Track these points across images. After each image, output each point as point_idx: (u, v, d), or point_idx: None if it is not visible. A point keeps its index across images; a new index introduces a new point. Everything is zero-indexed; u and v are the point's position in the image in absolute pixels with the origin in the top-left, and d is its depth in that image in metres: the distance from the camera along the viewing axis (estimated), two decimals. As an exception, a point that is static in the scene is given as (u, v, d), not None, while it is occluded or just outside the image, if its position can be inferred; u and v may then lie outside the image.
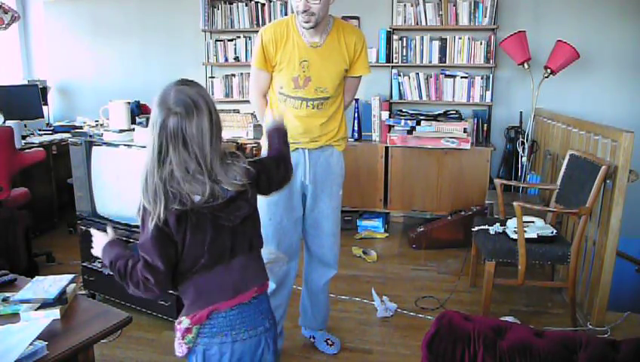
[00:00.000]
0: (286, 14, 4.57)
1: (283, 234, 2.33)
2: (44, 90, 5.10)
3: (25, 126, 4.52)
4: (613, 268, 2.77)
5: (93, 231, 1.51)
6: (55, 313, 1.67)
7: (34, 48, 5.52)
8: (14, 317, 1.66)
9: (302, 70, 2.17)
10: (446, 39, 4.39)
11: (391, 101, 4.56)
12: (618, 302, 3.05)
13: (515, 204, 2.64)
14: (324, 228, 2.41)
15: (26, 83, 5.11)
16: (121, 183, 2.87)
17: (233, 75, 4.93)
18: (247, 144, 4.48)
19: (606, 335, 2.73)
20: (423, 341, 1.44)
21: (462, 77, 4.42)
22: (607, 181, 2.74)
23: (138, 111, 4.65)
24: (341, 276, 3.55)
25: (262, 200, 2.30)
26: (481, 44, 4.33)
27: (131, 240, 2.89)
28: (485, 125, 4.44)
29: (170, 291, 1.45)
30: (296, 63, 2.17)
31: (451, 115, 4.30)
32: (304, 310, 2.65)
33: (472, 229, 3.10)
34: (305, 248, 2.53)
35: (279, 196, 2.25)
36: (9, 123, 3.66)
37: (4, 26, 4.73)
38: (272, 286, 2.44)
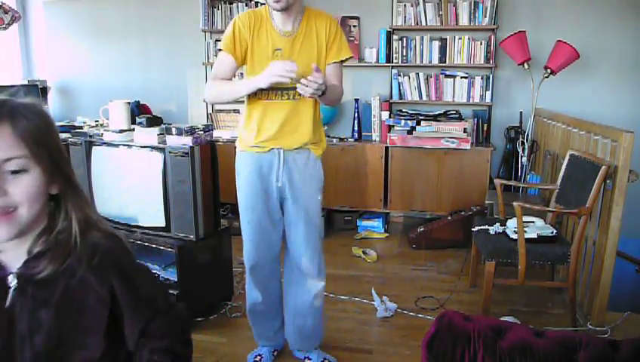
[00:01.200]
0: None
1: (261, 236, 2.29)
2: (44, 90, 5.10)
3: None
4: (613, 268, 2.77)
5: None
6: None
7: (34, 48, 5.52)
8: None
9: (276, 59, 2.06)
10: (446, 39, 4.39)
11: (391, 101, 4.56)
12: (618, 302, 3.04)
13: (515, 204, 2.64)
14: (303, 235, 2.28)
15: (26, 83, 5.11)
16: (121, 183, 2.87)
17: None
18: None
19: (606, 336, 2.73)
20: (422, 341, 1.44)
21: (462, 77, 4.42)
22: (607, 181, 2.74)
23: (138, 111, 4.65)
24: (341, 276, 3.55)
25: (240, 202, 2.29)
26: (481, 44, 4.33)
27: (131, 240, 2.89)
28: (485, 125, 4.44)
29: None
30: (270, 52, 2.09)
31: (451, 115, 4.30)
32: (289, 334, 2.49)
33: (472, 229, 3.10)
34: (285, 261, 2.41)
35: (256, 199, 2.24)
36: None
37: (4, 25, 4.73)
38: (257, 296, 2.41)
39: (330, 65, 2.18)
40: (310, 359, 2.49)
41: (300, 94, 2.05)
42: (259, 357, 2.52)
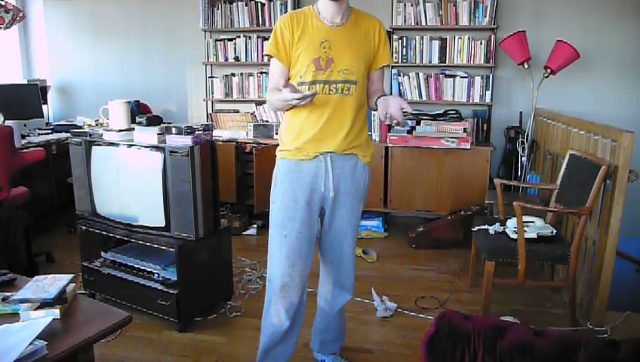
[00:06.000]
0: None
1: (298, 254, 2.09)
2: (43, 90, 5.10)
3: (24, 125, 4.52)
4: (613, 268, 2.77)
5: None
6: (55, 312, 1.67)
7: (34, 47, 5.52)
8: (14, 316, 1.66)
9: (323, 51, 1.98)
10: (446, 39, 4.39)
11: (391, 101, 4.55)
12: (618, 302, 3.04)
13: (515, 203, 2.64)
14: (343, 247, 2.19)
15: (26, 82, 5.10)
16: (121, 183, 2.87)
17: (233, 75, 4.93)
18: (246, 143, 4.48)
19: (606, 335, 2.73)
20: (422, 340, 1.44)
21: (462, 77, 4.42)
22: (607, 181, 2.74)
23: (138, 110, 4.65)
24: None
25: (276, 213, 2.10)
26: (481, 43, 4.33)
27: (132, 240, 2.89)
28: (485, 125, 4.44)
29: None
30: (317, 44, 1.99)
31: (451, 115, 4.29)
32: (315, 334, 2.48)
33: (472, 229, 3.10)
34: (321, 269, 2.33)
35: (297, 209, 2.06)
36: (8, 122, 3.66)
37: (4, 25, 4.72)
38: (283, 320, 2.16)
39: (378, 69, 2.15)
40: None
41: (347, 89, 2.00)
42: None
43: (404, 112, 1.93)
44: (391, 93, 4.55)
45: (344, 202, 2.13)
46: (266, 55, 2.10)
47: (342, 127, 2.04)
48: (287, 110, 2.05)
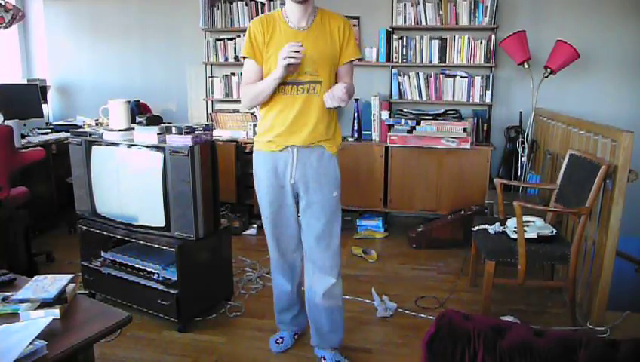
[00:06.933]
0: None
1: (280, 230, 2.42)
2: (43, 89, 5.10)
3: (24, 125, 4.52)
4: (613, 268, 2.77)
5: None
6: (55, 312, 1.67)
7: (33, 47, 5.51)
8: (14, 316, 1.66)
9: None
10: (446, 39, 4.39)
11: (391, 100, 4.56)
12: (618, 302, 3.04)
13: (515, 203, 2.64)
14: (319, 230, 2.34)
15: (26, 82, 5.10)
16: (121, 183, 2.87)
17: (233, 75, 4.93)
18: (246, 143, 4.48)
19: (605, 335, 2.73)
20: (422, 340, 1.44)
21: (462, 76, 4.42)
22: (607, 181, 2.74)
23: (138, 110, 4.65)
24: (341, 275, 3.55)
25: (260, 199, 2.39)
26: (481, 43, 4.33)
27: (133, 240, 2.89)
28: (485, 125, 4.44)
29: None
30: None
31: (451, 115, 4.30)
32: (311, 327, 2.54)
33: (472, 229, 3.10)
34: (304, 260, 2.47)
35: (272, 196, 2.35)
36: (8, 122, 3.66)
37: (4, 24, 4.72)
38: (281, 283, 2.57)
39: (345, 64, 2.30)
40: (325, 359, 2.49)
41: (313, 88, 2.20)
42: (280, 340, 2.64)
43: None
44: (390, 93, 4.56)
45: (315, 188, 2.32)
46: (242, 57, 2.29)
47: (308, 123, 2.24)
48: (263, 104, 2.28)
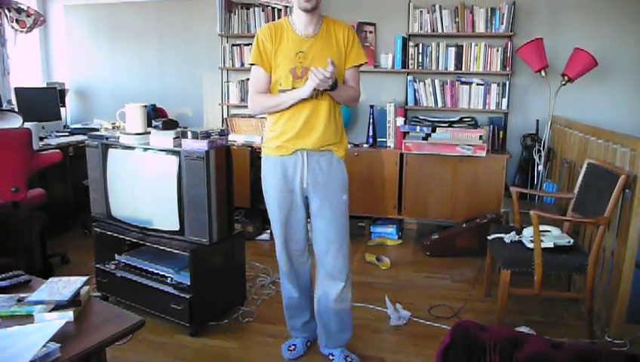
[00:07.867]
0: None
1: (289, 235, 2.44)
2: (62, 93, 5.17)
3: (43, 127, 4.58)
4: (632, 279, 2.71)
5: None
6: (68, 315, 1.67)
7: (53, 51, 5.60)
8: (28, 318, 1.67)
9: (298, 61, 2.24)
10: (462, 46, 4.37)
11: (406, 107, 4.55)
12: (637, 315, 2.98)
13: (531, 212, 2.61)
14: (329, 234, 2.38)
15: (45, 85, 5.18)
16: (136, 186, 2.89)
17: (249, 80, 4.94)
18: (261, 148, 4.48)
19: (625, 349, 2.68)
20: (437, 350, 1.42)
21: (478, 84, 4.39)
22: (626, 190, 2.70)
23: (154, 114, 4.69)
24: (354, 283, 3.53)
25: (268, 202, 2.41)
26: (497, 50, 4.30)
27: (147, 243, 2.90)
28: (501, 132, 4.40)
29: None
30: (292, 56, 2.25)
31: (467, 122, 4.26)
32: (319, 333, 2.60)
33: (488, 237, 3.06)
34: (316, 266, 2.49)
35: (282, 200, 2.37)
36: (27, 124, 3.71)
37: (25, 29, 4.80)
38: (290, 289, 2.57)
39: (349, 69, 2.35)
40: (333, 356, 2.54)
41: (320, 94, 2.23)
42: (293, 347, 2.63)
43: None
44: (406, 100, 4.54)
45: (325, 191, 2.35)
46: (251, 64, 2.34)
47: (317, 127, 2.29)
48: (273, 113, 2.33)
